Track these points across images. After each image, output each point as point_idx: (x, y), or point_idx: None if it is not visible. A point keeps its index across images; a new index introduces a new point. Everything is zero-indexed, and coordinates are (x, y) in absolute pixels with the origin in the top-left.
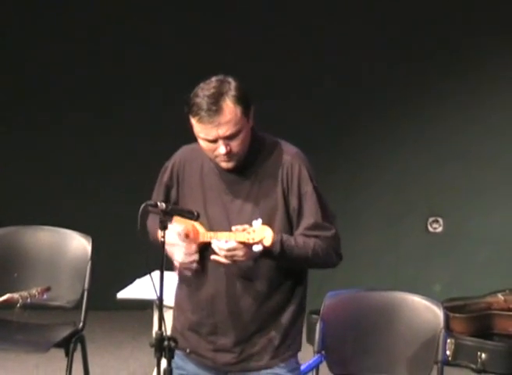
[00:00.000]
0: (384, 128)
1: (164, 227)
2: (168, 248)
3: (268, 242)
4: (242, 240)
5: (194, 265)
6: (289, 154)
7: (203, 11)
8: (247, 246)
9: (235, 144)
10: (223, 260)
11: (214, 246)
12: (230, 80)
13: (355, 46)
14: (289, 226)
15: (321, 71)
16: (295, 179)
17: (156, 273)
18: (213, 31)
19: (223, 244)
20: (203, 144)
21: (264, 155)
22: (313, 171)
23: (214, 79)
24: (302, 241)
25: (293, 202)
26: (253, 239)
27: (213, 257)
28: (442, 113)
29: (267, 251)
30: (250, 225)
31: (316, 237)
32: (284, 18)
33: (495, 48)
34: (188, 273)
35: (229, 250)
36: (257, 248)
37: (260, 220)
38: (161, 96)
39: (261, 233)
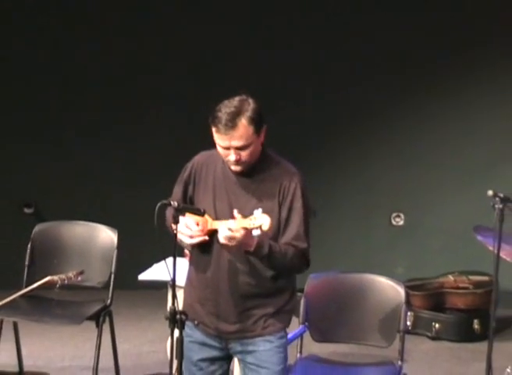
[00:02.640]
0: (358, 140)
1: (176, 222)
2: (179, 236)
3: (265, 227)
4: (244, 225)
5: (196, 240)
6: (290, 172)
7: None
8: (248, 230)
9: (244, 154)
10: (222, 240)
11: (221, 227)
12: (250, 101)
13: (338, 59)
14: (278, 230)
15: (310, 85)
16: (290, 195)
17: (170, 259)
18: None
19: (231, 224)
20: (219, 149)
21: (270, 168)
22: (306, 189)
23: (237, 98)
24: (284, 249)
25: (283, 213)
26: (253, 224)
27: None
28: (402, 127)
29: (257, 250)
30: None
31: (294, 247)
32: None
33: (452, 67)
34: (189, 248)
35: (230, 230)
36: (256, 233)
37: (260, 209)
38: (186, 106)
39: (260, 220)
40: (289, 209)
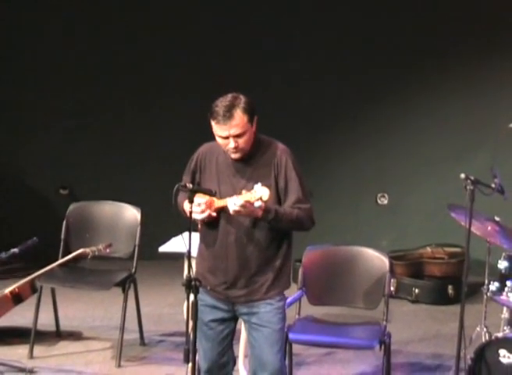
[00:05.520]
0: (347, 128)
1: (191, 201)
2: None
3: (265, 198)
4: (247, 199)
5: (205, 214)
6: (279, 149)
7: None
8: (251, 203)
9: (241, 141)
10: (233, 208)
11: (229, 202)
12: (241, 96)
13: (332, 53)
14: (278, 201)
15: (303, 79)
16: (283, 167)
17: (186, 233)
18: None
19: (236, 202)
20: (218, 139)
21: (262, 150)
22: (296, 161)
23: (230, 95)
24: (289, 210)
25: (281, 183)
26: (255, 197)
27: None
28: (387, 119)
29: (264, 216)
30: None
31: (298, 208)
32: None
33: (430, 66)
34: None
35: (237, 205)
36: (257, 204)
37: (260, 183)
38: (207, 95)
39: (260, 192)
40: (285, 179)
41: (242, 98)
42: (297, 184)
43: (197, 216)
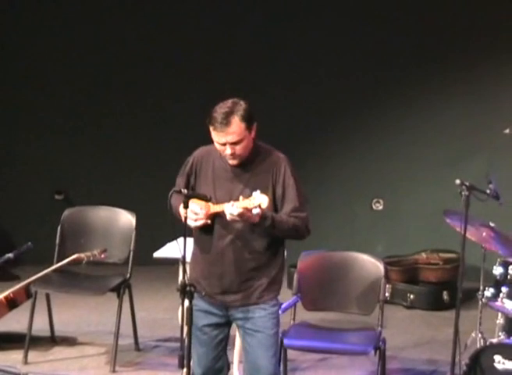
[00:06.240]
0: (342, 134)
1: (186, 207)
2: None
3: (264, 205)
4: (245, 205)
5: (200, 223)
6: (278, 157)
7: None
8: (249, 210)
9: (238, 148)
10: (229, 217)
11: (226, 209)
12: (242, 103)
13: (329, 58)
14: (274, 209)
15: (300, 84)
16: (281, 175)
17: (181, 239)
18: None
19: (234, 209)
20: (216, 145)
21: (260, 157)
22: (294, 170)
23: (230, 100)
24: (285, 218)
25: (279, 191)
26: (253, 204)
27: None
28: (383, 126)
29: (261, 222)
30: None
31: (295, 217)
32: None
33: (428, 71)
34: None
35: (232, 213)
36: (255, 211)
37: (258, 191)
38: (203, 99)
39: (258, 199)
40: (283, 187)
41: (242, 105)
42: (295, 193)
43: (192, 223)
